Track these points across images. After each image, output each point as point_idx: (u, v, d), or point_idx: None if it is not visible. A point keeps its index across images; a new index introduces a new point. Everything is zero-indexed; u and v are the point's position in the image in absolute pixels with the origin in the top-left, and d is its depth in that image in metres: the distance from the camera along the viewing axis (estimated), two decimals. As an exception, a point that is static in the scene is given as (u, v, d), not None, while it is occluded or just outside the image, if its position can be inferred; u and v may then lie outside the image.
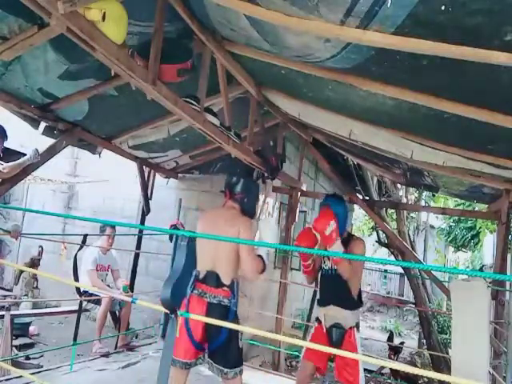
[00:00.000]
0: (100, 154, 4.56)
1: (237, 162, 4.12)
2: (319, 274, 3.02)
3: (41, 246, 6.14)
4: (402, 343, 7.68)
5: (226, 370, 2.41)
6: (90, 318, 5.54)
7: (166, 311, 1.77)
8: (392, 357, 6.82)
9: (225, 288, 2.42)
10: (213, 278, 2.42)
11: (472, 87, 1.98)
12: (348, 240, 2.84)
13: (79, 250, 4.14)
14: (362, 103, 2.78)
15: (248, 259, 2.44)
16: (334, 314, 2.80)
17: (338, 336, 2.78)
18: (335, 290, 2.85)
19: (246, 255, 2.43)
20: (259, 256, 2.56)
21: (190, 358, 2.44)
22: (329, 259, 2.86)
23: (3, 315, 3.94)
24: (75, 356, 3.85)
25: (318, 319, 2.93)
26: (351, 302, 2.84)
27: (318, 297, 3.06)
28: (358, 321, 2.87)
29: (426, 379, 6.50)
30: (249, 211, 2.69)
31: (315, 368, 2.86)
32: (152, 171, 5.31)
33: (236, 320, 2.45)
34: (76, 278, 4.26)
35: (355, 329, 2.79)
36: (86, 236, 4.06)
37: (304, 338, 5.09)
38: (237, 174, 2.81)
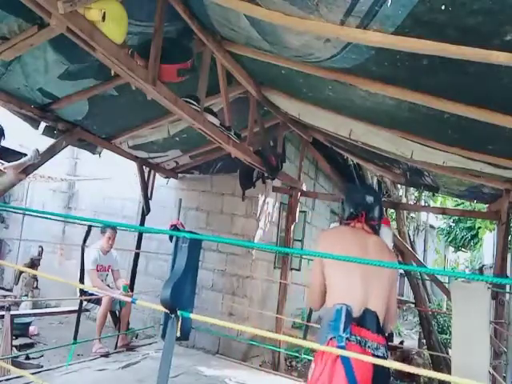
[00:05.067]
0: (100, 153, 4.56)
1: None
2: None
3: (41, 246, 6.14)
4: (402, 342, 7.67)
5: None
6: (90, 318, 5.54)
7: (166, 311, 1.77)
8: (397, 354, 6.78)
9: (382, 334, 1.84)
10: (372, 320, 1.81)
11: (472, 87, 1.98)
12: None
13: (85, 240, 4.05)
14: (362, 103, 2.78)
15: (395, 303, 2.00)
16: None
17: None
18: None
19: (395, 299, 2.00)
20: None
21: None
22: None
23: (3, 315, 3.94)
24: (76, 356, 3.86)
25: None
26: None
27: None
28: None
29: (426, 379, 6.50)
30: None
31: None
32: (152, 171, 5.31)
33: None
34: (82, 273, 4.24)
35: None
36: (90, 227, 4.00)
37: (304, 339, 5.09)
38: (374, 193, 2.32)
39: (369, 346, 1.73)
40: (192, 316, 1.78)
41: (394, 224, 8.33)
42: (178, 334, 1.71)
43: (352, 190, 2.32)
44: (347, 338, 1.68)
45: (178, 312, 1.73)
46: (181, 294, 2.19)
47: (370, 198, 2.12)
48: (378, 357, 1.72)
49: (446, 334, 8.17)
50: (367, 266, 1.84)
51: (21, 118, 3.46)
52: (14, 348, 4.29)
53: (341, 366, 1.67)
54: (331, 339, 1.71)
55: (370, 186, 2.23)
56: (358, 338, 1.72)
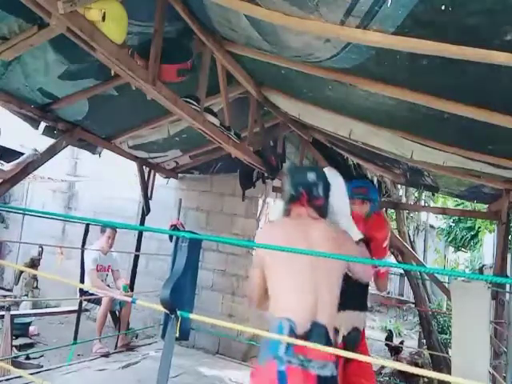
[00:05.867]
0: (100, 154, 4.56)
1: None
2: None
3: (41, 246, 6.14)
4: (402, 342, 7.67)
5: None
6: (90, 318, 5.53)
7: (166, 311, 1.76)
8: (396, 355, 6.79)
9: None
10: (321, 336, 1.56)
11: (472, 87, 1.98)
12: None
13: (84, 241, 4.07)
14: (362, 103, 2.77)
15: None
16: (352, 318, 2.37)
17: (356, 341, 2.35)
18: (356, 293, 2.33)
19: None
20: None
21: None
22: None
23: (3, 315, 3.94)
24: (76, 356, 3.85)
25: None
26: (366, 303, 2.54)
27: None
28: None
29: (426, 379, 6.50)
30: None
31: None
32: (152, 171, 5.31)
33: None
34: (82, 273, 4.25)
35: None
36: (88, 227, 4.01)
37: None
38: (315, 169, 1.96)
39: (312, 366, 1.52)
40: (191, 316, 1.78)
41: (394, 224, 8.34)
42: (178, 335, 1.71)
43: (291, 170, 2.00)
44: (288, 361, 1.50)
45: (178, 312, 1.73)
46: (181, 294, 2.19)
47: (311, 175, 1.83)
48: (325, 377, 1.52)
49: (446, 334, 8.16)
50: (316, 266, 1.62)
51: (21, 117, 3.46)
52: (14, 348, 4.29)
53: None
54: (271, 360, 1.53)
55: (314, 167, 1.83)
56: (301, 357, 1.51)
